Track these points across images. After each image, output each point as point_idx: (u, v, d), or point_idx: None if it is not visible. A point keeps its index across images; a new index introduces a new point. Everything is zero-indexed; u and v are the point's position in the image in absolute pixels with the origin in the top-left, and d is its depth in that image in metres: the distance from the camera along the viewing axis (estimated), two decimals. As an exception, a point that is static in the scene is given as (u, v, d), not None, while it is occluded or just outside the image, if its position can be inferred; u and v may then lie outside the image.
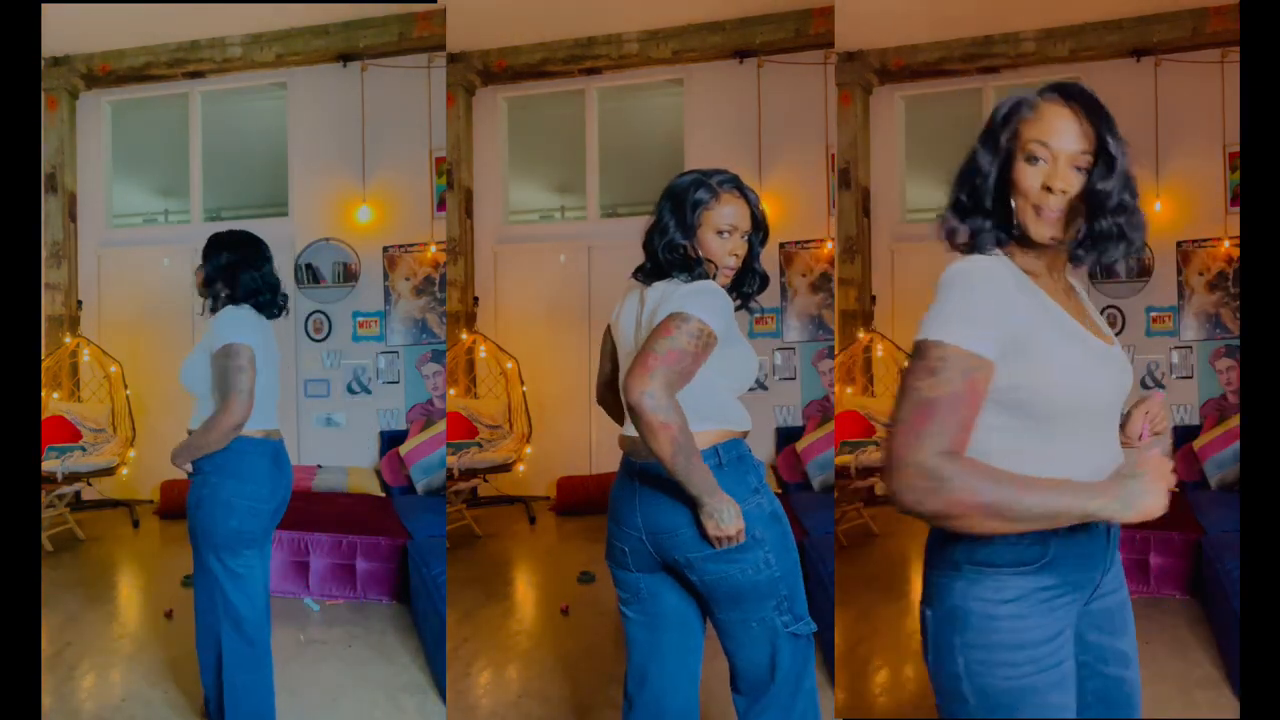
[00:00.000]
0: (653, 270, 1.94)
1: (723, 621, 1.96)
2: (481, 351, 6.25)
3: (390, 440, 5.80)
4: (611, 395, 2.12)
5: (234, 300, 2.61)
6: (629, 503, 1.96)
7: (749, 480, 1.91)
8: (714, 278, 1.91)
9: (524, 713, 3.12)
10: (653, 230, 1.94)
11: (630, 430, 1.99)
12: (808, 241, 6.00)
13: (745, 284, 2.00)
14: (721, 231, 1.91)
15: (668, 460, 1.74)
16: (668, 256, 1.90)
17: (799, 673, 1.96)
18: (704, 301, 1.82)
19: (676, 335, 1.76)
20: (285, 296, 2.72)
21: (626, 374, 1.75)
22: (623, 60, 6.21)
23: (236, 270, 2.61)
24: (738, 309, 2.02)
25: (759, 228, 1.97)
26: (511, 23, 5.99)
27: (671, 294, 1.87)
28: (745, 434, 1.97)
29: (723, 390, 1.92)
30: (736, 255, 1.94)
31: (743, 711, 2.01)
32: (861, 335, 6.09)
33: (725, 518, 1.81)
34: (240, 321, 2.54)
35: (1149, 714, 3.00)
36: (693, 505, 1.83)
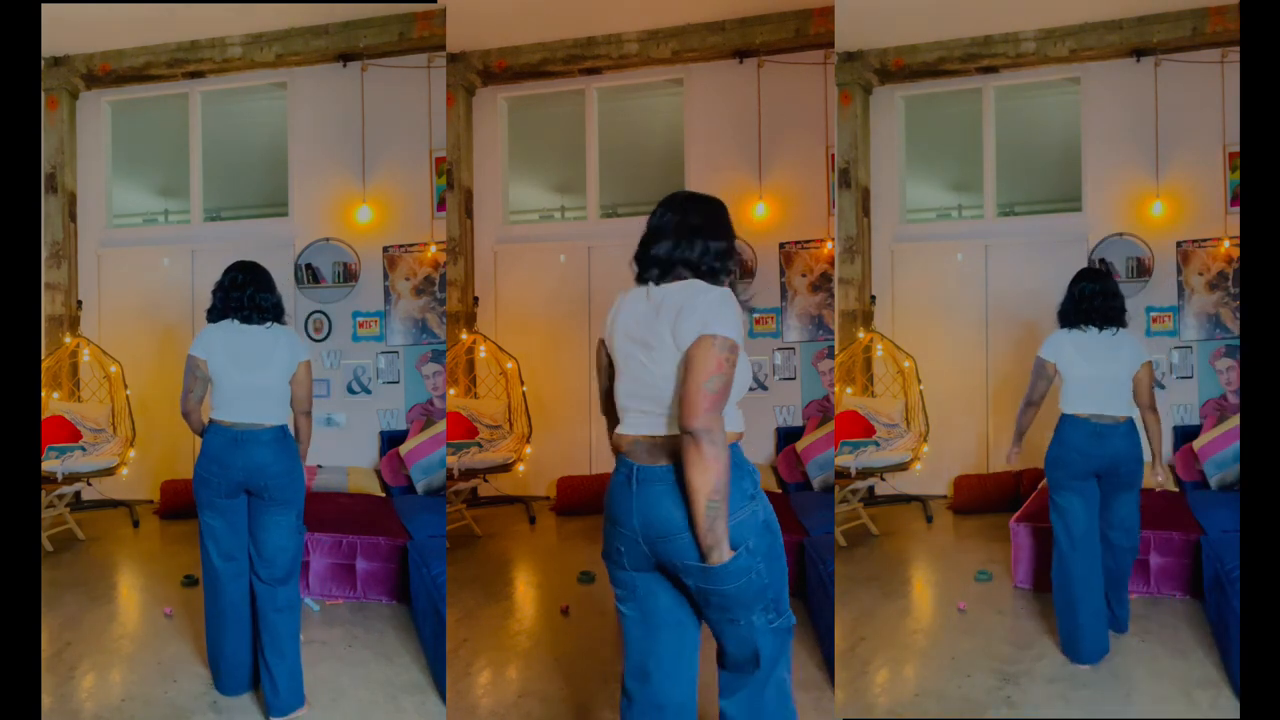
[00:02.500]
0: (661, 273, 1.98)
1: (713, 620, 2.02)
2: (481, 351, 6.25)
3: (390, 440, 5.81)
4: (614, 407, 2.13)
5: (214, 315, 3.13)
6: (626, 504, 1.97)
7: (744, 486, 1.93)
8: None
9: (524, 713, 3.12)
10: (700, 238, 1.99)
11: (627, 429, 1.99)
12: (808, 241, 6.01)
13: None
14: None
15: (705, 494, 1.80)
16: (716, 264, 1.98)
17: (774, 660, 2.04)
18: (729, 317, 1.87)
19: (726, 369, 1.83)
20: (265, 308, 3.13)
21: (688, 406, 1.80)
22: (623, 60, 6.21)
23: (221, 290, 3.14)
24: None
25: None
26: (511, 23, 6.00)
27: (696, 303, 1.89)
28: (738, 436, 1.98)
29: None
30: None
31: (722, 685, 2.11)
32: (861, 335, 6.08)
33: (721, 560, 1.86)
34: (201, 336, 3.10)
35: (1149, 714, 3.00)
36: (691, 518, 1.86)
